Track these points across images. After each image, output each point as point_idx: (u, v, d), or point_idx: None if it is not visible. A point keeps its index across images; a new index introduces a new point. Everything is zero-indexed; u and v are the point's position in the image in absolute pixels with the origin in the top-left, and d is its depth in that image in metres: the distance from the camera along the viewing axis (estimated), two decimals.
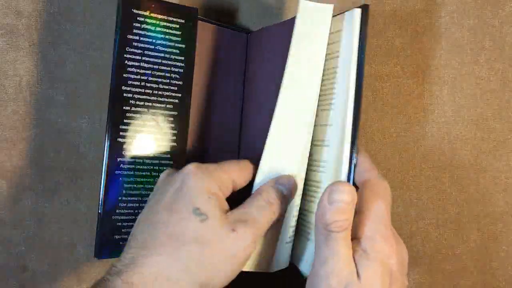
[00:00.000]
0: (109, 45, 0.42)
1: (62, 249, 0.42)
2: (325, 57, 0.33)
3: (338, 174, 0.31)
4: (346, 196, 0.26)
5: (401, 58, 0.43)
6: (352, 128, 0.31)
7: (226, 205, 0.29)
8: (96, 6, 0.42)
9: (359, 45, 0.31)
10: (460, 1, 0.43)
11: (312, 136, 0.33)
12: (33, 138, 0.42)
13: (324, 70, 0.33)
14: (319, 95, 0.33)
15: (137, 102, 0.37)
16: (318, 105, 0.33)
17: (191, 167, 0.29)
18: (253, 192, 0.31)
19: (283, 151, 0.32)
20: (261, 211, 0.29)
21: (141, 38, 0.37)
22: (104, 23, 0.42)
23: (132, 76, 0.37)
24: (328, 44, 0.33)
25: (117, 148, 0.36)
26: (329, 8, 0.32)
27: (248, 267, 0.32)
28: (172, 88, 0.38)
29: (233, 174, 0.30)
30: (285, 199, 0.30)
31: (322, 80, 0.33)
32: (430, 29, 0.43)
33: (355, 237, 0.28)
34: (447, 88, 0.43)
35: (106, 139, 0.36)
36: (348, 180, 0.30)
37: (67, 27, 0.42)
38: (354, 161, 0.30)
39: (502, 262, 0.43)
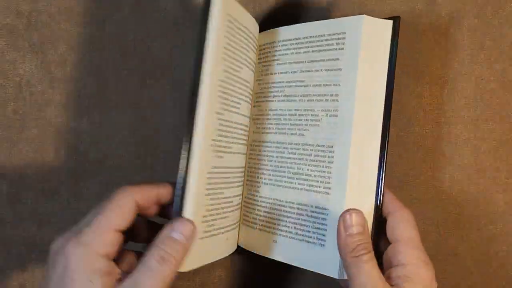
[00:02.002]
0: (109, 45, 0.42)
1: None
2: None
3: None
4: (359, 218, 0.29)
5: (401, 58, 0.43)
6: (380, 155, 0.32)
7: (115, 273, 0.27)
8: (96, 6, 0.42)
9: (390, 58, 0.33)
10: (460, 1, 0.43)
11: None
12: (33, 138, 0.42)
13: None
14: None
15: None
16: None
17: (68, 247, 0.26)
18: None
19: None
20: (152, 275, 0.26)
21: None
22: (104, 23, 0.42)
23: None
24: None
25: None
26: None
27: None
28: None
29: (113, 223, 0.27)
30: (182, 245, 0.28)
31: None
32: (430, 29, 0.43)
33: (396, 264, 0.29)
34: (447, 88, 0.43)
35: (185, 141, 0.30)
36: (377, 202, 0.31)
37: (67, 27, 0.42)
38: (382, 181, 0.32)
39: (502, 262, 0.43)
